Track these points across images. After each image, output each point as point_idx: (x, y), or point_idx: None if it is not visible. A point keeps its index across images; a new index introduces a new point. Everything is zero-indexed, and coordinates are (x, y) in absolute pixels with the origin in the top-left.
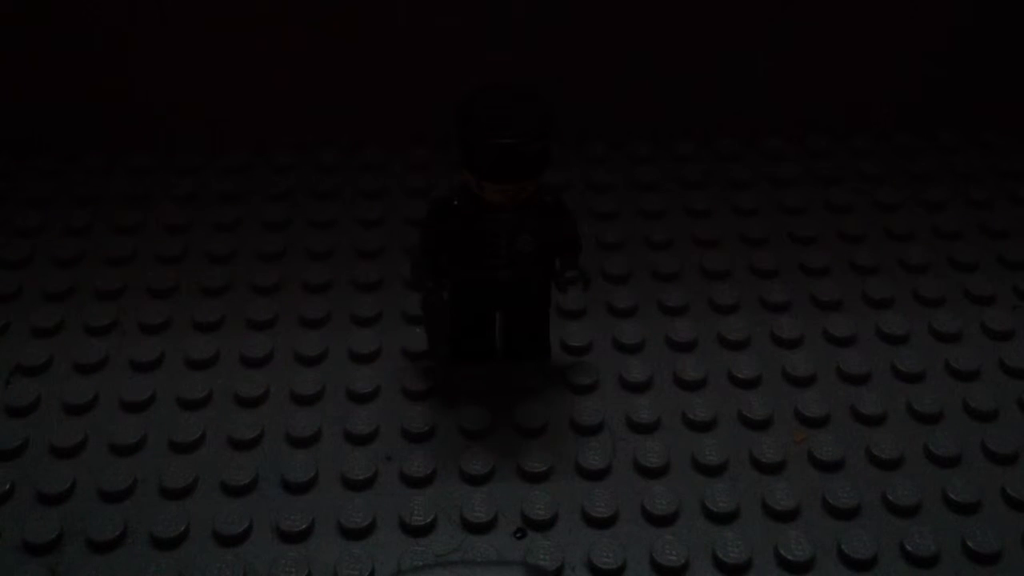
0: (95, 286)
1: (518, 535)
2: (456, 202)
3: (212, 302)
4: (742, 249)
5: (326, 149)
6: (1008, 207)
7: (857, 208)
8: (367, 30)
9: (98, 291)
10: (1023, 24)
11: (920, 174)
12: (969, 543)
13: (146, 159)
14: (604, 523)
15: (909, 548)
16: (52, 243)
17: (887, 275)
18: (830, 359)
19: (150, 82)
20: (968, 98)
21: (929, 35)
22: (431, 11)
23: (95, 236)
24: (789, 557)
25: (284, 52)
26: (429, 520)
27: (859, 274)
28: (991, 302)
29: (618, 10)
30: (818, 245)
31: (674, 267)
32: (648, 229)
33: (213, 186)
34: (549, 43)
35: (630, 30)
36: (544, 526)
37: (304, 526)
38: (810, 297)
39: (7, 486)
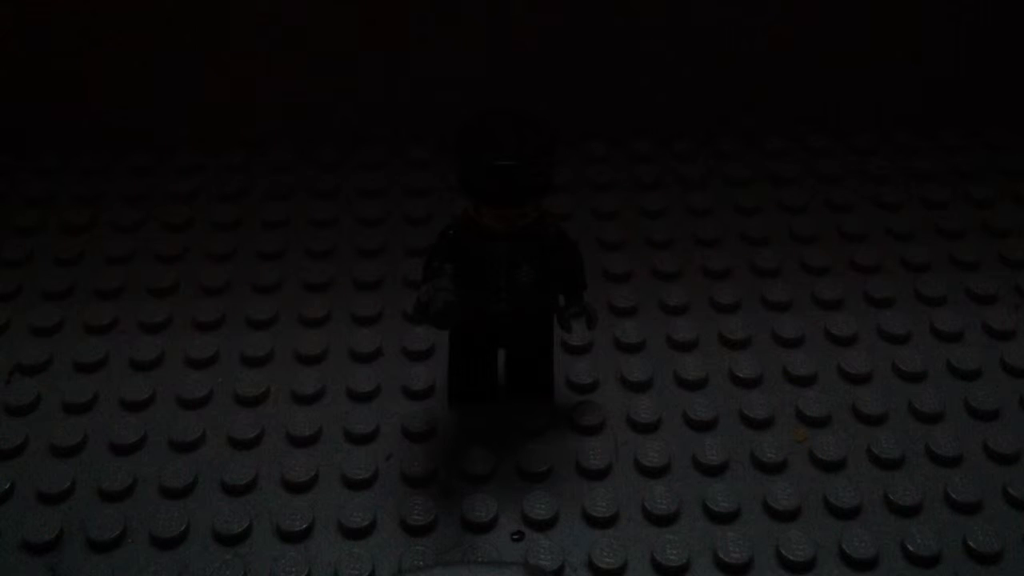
0: (95, 286)
1: (515, 537)
2: (452, 231)
3: (212, 302)
4: (743, 248)
5: (326, 149)
6: (1010, 206)
7: (858, 207)
8: (367, 29)
9: (98, 290)
10: (1023, 22)
11: (921, 173)
12: (971, 543)
13: (146, 159)
14: (605, 523)
15: (910, 548)
16: (51, 242)
17: (888, 274)
18: (831, 358)
19: (151, 81)
20: (969, 96)
21: (930, 34)
22: (431, 10)
23: (94, 235)
24: (790, 557)
25: (284, 52)
26: (429, 520)
27: (860, 273)
28: (993, 301)
29: (619, 9)
30: (819, 244)
31: (675, 266)
32: (649, 228)
33: (213, 186)
34: (550, 42)
35: (630, 29)
36: (544, 526)
37: (304, 526)
38: (811, 296)
39: (7, 485)
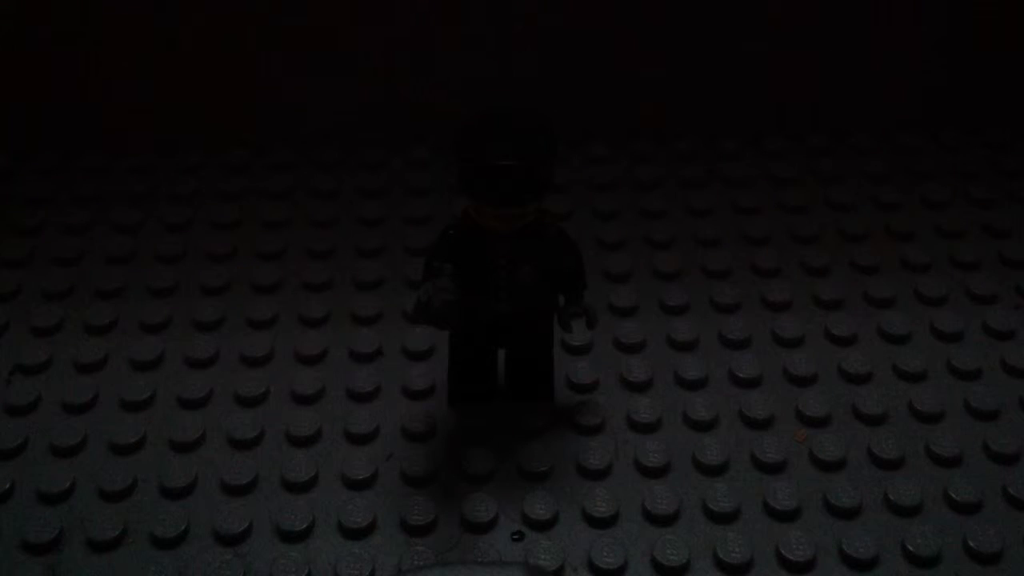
0: (95, 286)
1: (515, 537)
2: (452, 231)
3: (212, 302)
4: (743, 248)
5: (326, 149)
6: (1010, 206)
7: (858, 207)
8: (367, 30)
9: (98, 290)
10: (1023, 22)
11: (921, 173)
12: (971, 543)
13: (146, 159)
14: (605, 523)
15: (910, 548)
16: (52, 242)
17: (888, 274)
18: (831, 358)
19: (150, 81)
20: (969, 96)
21: (930, 34)
22: (430, 11)
23: (95, 235)
24: (790, 557)
25: (283, 52)
26: (429, 520)
27: (860, 273)
28: (993, 301)
29: (619, 9)
30: (819, 244)
31: (675, 266)
32: (649, 228)
33: (213, 186)
34: (549, 42)
35: (630, 29)
36: (544, 526)
37: (304, 526)
38: (811, 296)
39: (7, 485)
